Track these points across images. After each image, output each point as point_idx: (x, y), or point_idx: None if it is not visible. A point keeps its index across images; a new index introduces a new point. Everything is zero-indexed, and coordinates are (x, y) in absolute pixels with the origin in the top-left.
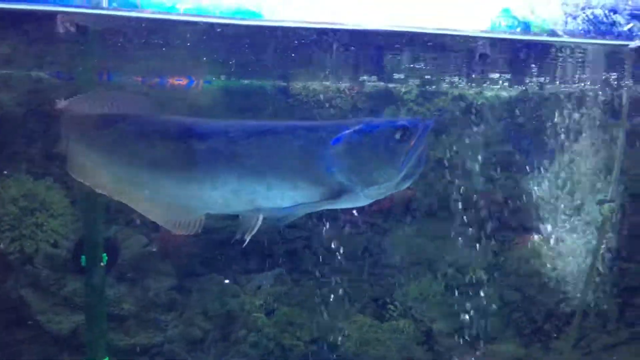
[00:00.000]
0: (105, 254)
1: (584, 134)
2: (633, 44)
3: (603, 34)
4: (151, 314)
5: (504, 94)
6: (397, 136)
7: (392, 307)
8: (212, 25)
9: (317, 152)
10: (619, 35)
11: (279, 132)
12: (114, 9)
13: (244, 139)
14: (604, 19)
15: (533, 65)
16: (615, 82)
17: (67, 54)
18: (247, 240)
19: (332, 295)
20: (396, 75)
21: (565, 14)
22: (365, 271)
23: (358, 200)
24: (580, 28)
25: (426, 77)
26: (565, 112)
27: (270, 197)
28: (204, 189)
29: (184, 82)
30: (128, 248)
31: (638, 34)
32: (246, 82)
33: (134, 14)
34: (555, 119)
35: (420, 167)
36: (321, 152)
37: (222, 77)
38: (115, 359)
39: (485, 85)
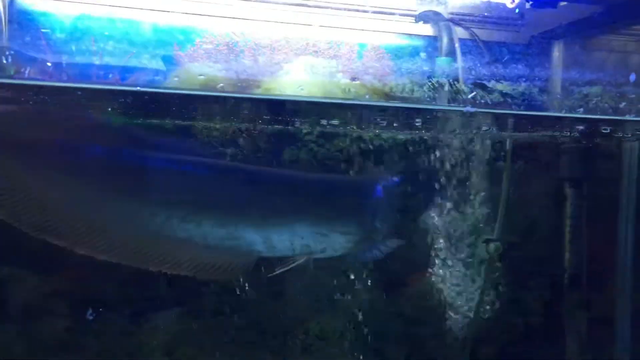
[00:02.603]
0: None
1: (471, 176)
2: (467, 109)
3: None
4: (44, 357)
5: (400, 136)
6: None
7: (293, 344)
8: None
9: (365, 203)
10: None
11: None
12: None
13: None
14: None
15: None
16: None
17: None
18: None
19: (234, 334)
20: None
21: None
22: (268, 308)
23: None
24: (426, 95)
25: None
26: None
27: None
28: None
29: None
30: (18, 289)
31: (481, 100)
32: (146, 121)
33: None
34: (444, 163)
35: None
36: (368, 203)
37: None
38: None
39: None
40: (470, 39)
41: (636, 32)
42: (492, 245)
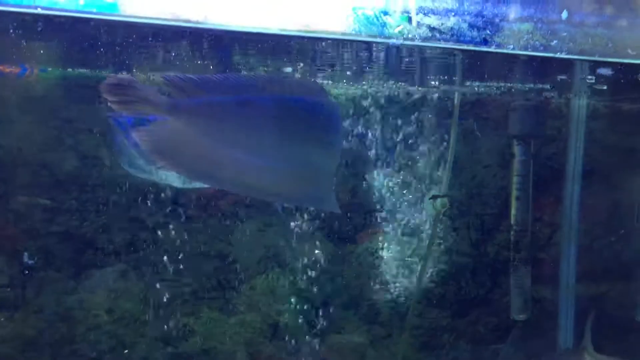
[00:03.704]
0: None
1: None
2: (393, 42)
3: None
4: None
5: (351, 91)
6: None
7: (239, 301)
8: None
9: None
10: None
11: None
12: None
13: None
14: (375, 20)
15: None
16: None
17: None
18: None
19: (177, 291)
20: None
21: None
22: (213, 266)
23: None
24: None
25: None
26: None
27: None
28: None
29: (15, 70)
30: None
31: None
32: (87, 72)
33: None
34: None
35: None
36: None
37: (61, 67)
38: None
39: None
40: None
41: None
42: (438, 201)
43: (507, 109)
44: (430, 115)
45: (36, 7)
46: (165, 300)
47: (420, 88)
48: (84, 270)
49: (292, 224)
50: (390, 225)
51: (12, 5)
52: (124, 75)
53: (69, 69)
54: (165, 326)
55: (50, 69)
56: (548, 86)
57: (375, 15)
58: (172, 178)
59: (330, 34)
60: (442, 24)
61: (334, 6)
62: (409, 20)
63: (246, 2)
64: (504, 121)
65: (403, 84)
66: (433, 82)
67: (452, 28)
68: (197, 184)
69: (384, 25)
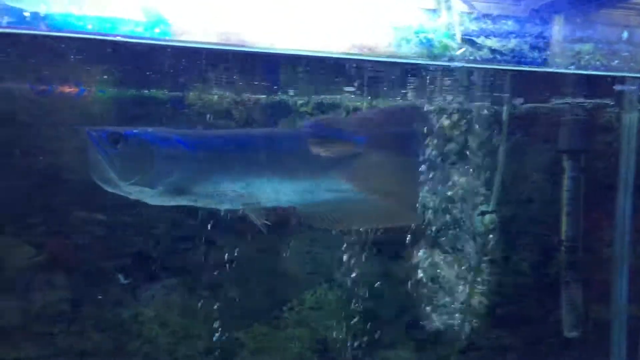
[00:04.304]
0: None
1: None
2: (455, 65)
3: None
4: (39, 327)
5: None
6: None
7: (288, 315)
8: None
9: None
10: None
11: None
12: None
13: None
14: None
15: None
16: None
17: None
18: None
19: (227, 305)
20: (292, 90)
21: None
22: (262, 280)
23: None
24: (413, 51)
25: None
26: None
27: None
28: None
29: (74, 90)
30: (13, 258)
31: (469, 57)
32: (140, 91)
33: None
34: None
35: None
36: None
37: (116, 87)
38: None
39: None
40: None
41: (637, 6)
42: (487, 217)
43: (558, 124)
44: (483, 131)
45: (116, 36)
46: (216, 314)
47: (476, 104)
48: (139, 284)
49: (340, 239)
50: (440, 241)
51: (96, 34)
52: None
53: (128, 90)
54: (217, 340)
55: (106, 89)
56: (600, 101)
57: (437, 39)
58: (144, 194)
59: (396, 58)
60: (503, 45)
61: (398, 30)
62: (472, 42)
63: (316, 30)
64: (554, 136)
65: (461, 101)
66: (490, 99)
67: (512, 49)
68: (173, 202)
69: (445, 48)
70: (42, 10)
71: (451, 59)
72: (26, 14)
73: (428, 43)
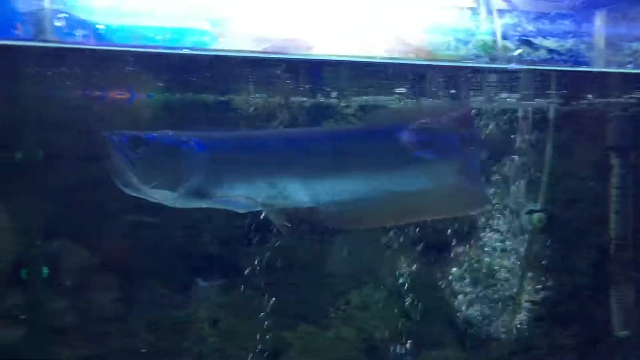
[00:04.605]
0: (46, 268)
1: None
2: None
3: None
4: (93, 327)
5: None
6: None
7: (334, 315)
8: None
9: None
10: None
11: None
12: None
13: None
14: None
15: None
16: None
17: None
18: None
19: (275, 305)
20: (336, 92)
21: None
22: (309, 280)
23: None
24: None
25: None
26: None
27: None
28: None
29: (125, 96)
30: (70, 261)
31: (526, 58)
32: (187, 95)
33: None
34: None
35: None
36: None
37: (163, 92)
38: None
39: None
40: (508, 10)
41: None
42: (535, 216)
43: (607, 121)
44: (532, 129)
45: (182, 49)
46: (264, 314)
47: (525, 102)
48: (190, 285)
49: (387, 238)
50: (487, 239)
51: (163, 47)
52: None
53: (176, 94)
54: (265, 339)
55: (154, 95)
56: None
57: (493, 40)
58: (165, 198)
59: (453, 61)
60: (560, 45)
61: (456, 32)
62: (529, 43)
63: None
64: (602, 133)
65: (515, 99)
66: (539, 97)
67: (570, 49)
68: (195, 205)
69: (503, 49)
70: (115, 22)
71: (509, 60)
72: (100, 26)
73: (486, 45)
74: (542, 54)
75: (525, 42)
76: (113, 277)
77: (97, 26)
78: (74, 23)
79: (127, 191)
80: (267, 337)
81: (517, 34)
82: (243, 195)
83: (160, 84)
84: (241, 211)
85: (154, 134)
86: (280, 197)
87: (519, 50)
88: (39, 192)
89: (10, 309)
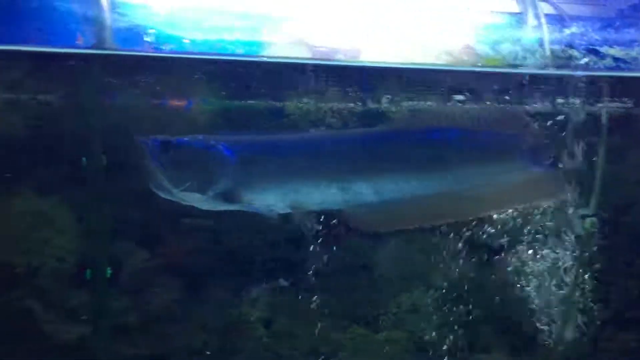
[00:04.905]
0: (109, 268)
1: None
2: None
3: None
4: (154, 326)
5: None
6: None
7: (385, 318)
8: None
9: None
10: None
11: None
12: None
13: None
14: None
15: None
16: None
17: (73, 78)
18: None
19: (327, 307)
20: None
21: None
22: (361, 283)
23: None
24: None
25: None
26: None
27: None
28: None
29: (183, 103)
30: (131, 262)
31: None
32: (241, 102)
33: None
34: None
35: None
36: None
37: (220, 99)
38: None
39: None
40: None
41: None
42: (588, 221)
43: None
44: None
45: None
46: (317, 315)
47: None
48: (243, 286)
49: (437, 240)
50: (540, 243)
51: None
52: None
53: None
54: (317, 340)
55: (211, 100)
56: None
57: (561, 49)
58: (195, 200)
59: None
60: (626, 54)
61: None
62: (595, 52)
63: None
64: None
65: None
66: (592, 102)
67: (636, 57)
68: (224, 207)
69: (569, 58)
70: (199, 37)
71: (575, 68)
72: (186, 40)
73: (552, 54)
74: (608, 62)
75: (591, 50)
76: (173, 279)
77: (184, 40)
78: (162, 38)
79: (160, 194)
80: (320, 338)
81: (584, 42)
82: (269, 201)
83: (224, 92)
84: (268, 213)
85: (184, 138)
86: (307, 200)
87: (586, 59)
88: (103, 196)
89: (75, 308)
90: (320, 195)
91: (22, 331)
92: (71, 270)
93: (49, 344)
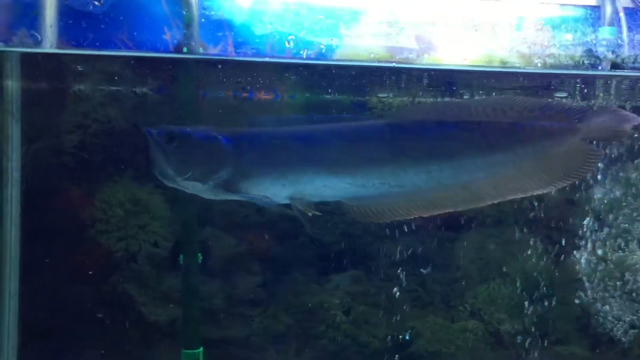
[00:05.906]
0: (200, 254)
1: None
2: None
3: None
4: (239, 309)
5: None
6: None
7: (462, 308)
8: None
9: None
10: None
11: None
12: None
13: None
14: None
15: None
16: None
17: (167, 73)
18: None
19: (405, 296)
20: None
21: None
22: (438, 274)
23: None
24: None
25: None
26: None
27: None
28: None
29: (270, 96)
30: (220, 248)
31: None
32: (327, 96)
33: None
34: None
35: None
36: None
37: (305, 93)
38: (207, 349)
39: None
40: (635, 8)
41: None
42: None
43: None
44: None
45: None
46: (394, 304)
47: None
48: (324, 274)
49: (512, 234)
50: (611, 239)
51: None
52: None
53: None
54: (395, 328)
55: (297, 95)
56: None
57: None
58: (198, 189)
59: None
60: None
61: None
62: None
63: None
64: None
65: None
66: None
67: None
68: (225, 197)
69: (617, 56)
70: (334, 43)
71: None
72: (322, 46)
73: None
74: None
75: None
76: (258, 264)
77: (321, 46)
78: (300, 44)
79: (166, 182)
80: (398, 326)
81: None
82: (266, 193)
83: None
84: (268, 207)
85: (187, 129)
86: (306, 192)
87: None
88: None
89: (167, 292)
90: (320, 186)
91: (122, 313)
92: (165, 255)
93: (144, 324)
